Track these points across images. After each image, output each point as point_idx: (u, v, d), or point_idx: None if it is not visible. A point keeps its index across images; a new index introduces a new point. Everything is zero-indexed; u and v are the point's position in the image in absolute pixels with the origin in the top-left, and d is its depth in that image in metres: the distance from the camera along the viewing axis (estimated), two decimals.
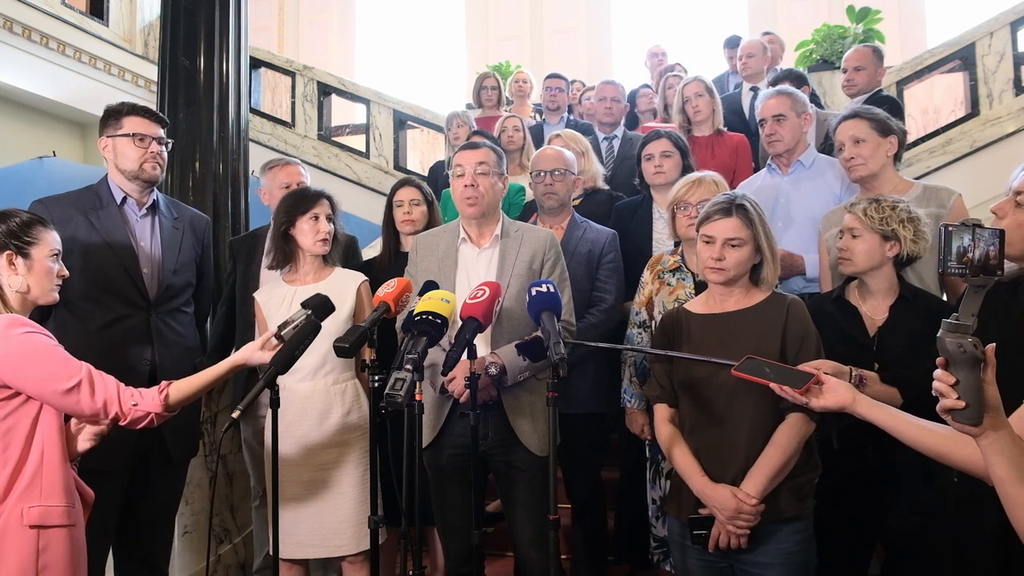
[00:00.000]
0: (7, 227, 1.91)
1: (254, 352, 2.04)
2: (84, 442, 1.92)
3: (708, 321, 2.06)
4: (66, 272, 2.04)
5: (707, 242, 2.04)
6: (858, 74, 4.28)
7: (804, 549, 1.94)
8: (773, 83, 4.53)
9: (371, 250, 4.67)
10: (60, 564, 1.79)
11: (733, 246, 2.01)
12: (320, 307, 2.09)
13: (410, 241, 3.07)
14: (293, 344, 2.01)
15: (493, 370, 2.23)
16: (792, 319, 1.99)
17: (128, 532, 2.55)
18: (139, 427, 1.92)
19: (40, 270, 1.94)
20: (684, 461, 2.00)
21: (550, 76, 5.57)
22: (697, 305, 2.15)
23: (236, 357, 2.05)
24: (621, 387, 2.82)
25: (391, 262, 3.12)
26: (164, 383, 1.95)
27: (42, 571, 1.76)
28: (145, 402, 1.89)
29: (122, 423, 1.90)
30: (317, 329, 2.09)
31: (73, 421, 1.92)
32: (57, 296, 2.00)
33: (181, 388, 1.96)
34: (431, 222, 3.12)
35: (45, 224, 1.99)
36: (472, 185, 2.39)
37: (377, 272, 2.88)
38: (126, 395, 1.88)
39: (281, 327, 2.04)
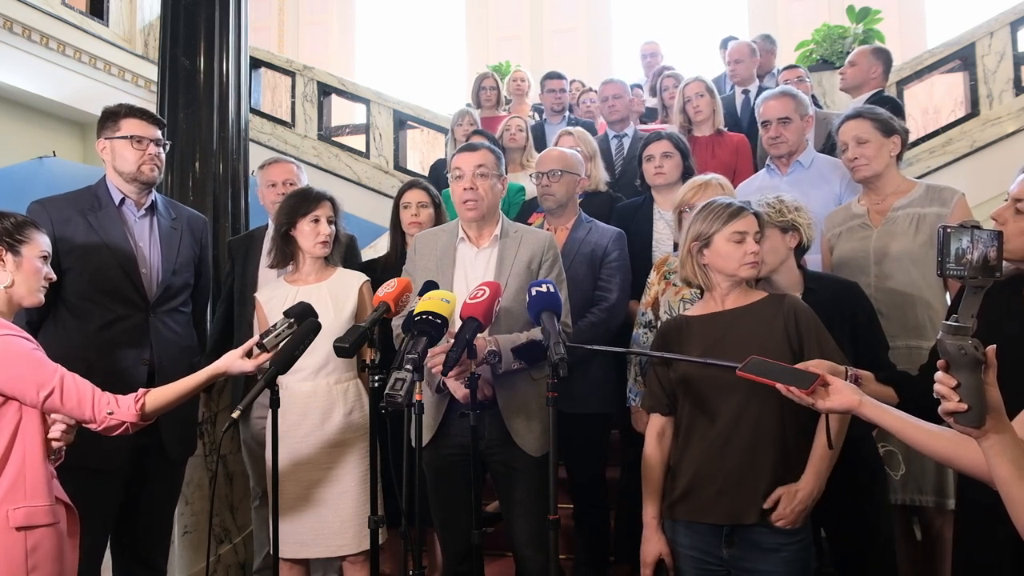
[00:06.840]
0: (1, 226, 1.92)
1: (235, 361, 2.01)
2: (53, 441, 1.88)
3: (707, 321, 2.05)
4: (53, 276, 2.03)
5: (738, 241, 1.99)
6: (852, 69, 4.16)
7: (802, 558, 1.94)
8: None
9: (371, 250, 4.65)
10: (48, 562, 1.79)
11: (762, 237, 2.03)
12: (302, 315, 2.07)
13: None
14: (293, 344, 2.00)
15: (491, 358, 2.19)
16: (801, 316, 1.97)
17: (127, 530, 2.55)
18: (114, 435, 1.90)
19: (28, 268, 1.93)
20: (649, 490, 2.06)
21: (550, 76, 5.39)
22: (696, 311, 2.14)
23: (217, 365, 2.02)
24: (626, 386, 2.82)
25: (397, 262, 3.12)
26: (141, 391, 1.93)
27: (32, 571, 1.75)
28: (120, 411, 1.87)
29: (96, 430, 1.88)
30: (317, 329, 2.08)
31: (49, 418, 1.90)
32: (42, 298, 1.99)
33: (158, 397, 1.94)
34: (438, 224, 3.11)
35: (38, 227, 2.00)
36: (471, 188, 2.38)
37: (381, 272, 2.88)
38: (101, 403, 1.86)
39: (263, 335, 2.01)
